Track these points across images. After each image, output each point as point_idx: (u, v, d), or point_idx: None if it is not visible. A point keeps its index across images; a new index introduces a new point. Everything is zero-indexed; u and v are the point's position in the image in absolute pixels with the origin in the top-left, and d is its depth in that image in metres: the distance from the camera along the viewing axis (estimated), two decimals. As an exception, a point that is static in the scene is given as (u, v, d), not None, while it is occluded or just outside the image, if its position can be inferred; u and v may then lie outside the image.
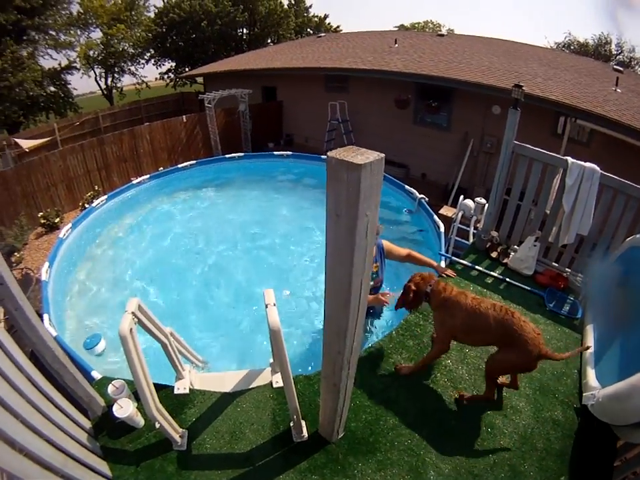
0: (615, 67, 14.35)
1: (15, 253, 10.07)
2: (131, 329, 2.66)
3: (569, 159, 4.78)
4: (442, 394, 3.66)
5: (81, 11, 29.18)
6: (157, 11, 32.28)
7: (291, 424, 3.31)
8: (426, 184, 13.23)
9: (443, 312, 3.54)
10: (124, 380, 3.53)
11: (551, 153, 5.00)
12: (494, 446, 3.25)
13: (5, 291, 2.35)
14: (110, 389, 3.39)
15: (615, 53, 31.03)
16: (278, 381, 3.70)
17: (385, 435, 3.31)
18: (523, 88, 4.97)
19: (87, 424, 3.32)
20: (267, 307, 2.75)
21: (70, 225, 7.58)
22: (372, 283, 4.35)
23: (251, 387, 3.79)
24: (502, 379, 3.64)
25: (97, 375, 4.01)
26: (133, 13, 32.56)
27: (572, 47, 32.65)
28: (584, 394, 3.54)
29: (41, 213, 11.58)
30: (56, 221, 11.62)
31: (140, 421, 3.41)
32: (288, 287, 6.64)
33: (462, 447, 3.24)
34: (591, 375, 3.66)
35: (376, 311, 4.96)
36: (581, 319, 4.61)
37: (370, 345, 4.23)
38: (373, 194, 1.58)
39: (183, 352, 4.04)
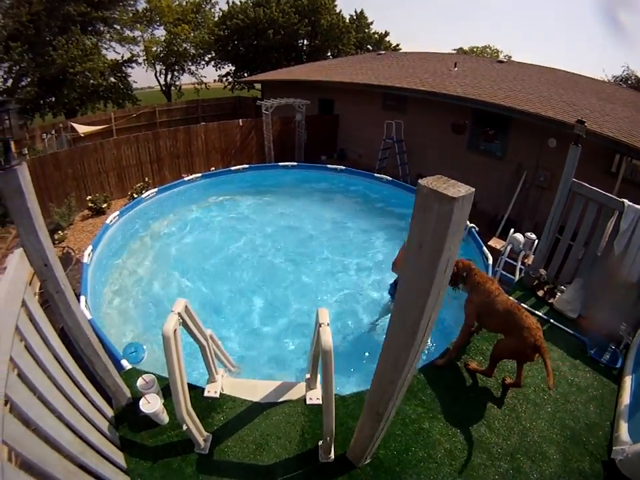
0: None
1: (59, 231, 10.25)
2: (174, 330, 2.61)
3: (626, 202, 4.74)
4: (473, 431, 3.61)
5: (147, 8, 29.95)
6: (221, 14, 32.88)
7: (319, 443, 3.24)
8: (475, 212, 12.84)
9: (473, 291, 4.21)
10: (154, 375, 3.49)
11: (608, 194, 4.96)
12: (518, 491, 3.18)
13: (49, 273, 2.32)
14: (139, 382, 3.35)
15: (675, 88, 30.04)
16: (312, 398, 3.66)
17: (412, 467, 3.23)
18: (586, 124, 4.91)
19: (110, 412, 3.29)
20: (320, 325, 2.72)
21: (117, 212, 7.68)
22: None
23: (282, 399, 3.74)
24: (508, 380, 4.01)
25: (126, 364, 4.00)
26: (199, 15, 33.29)
27: (629, 82, 31.84)
28: (614, 448, 3.45)
29: (89, 197, 11.79)
30: (103, 206, 11.81)
31: (165, 418, 3.36)
32: (322, 300, 6.55)
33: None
34: (623, 429, 3.60)
35: None
36: (620, 368, 4.48)
37: (420, 376, 4.16)
38: (459, 229, 1.55)
39: (219, 355, 3.99)
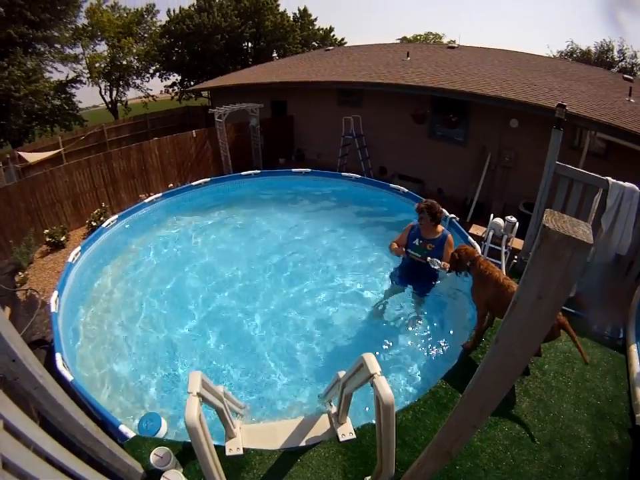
0: (625, 76, 14.21)
1: (19, 272, 9.64)
2: (199, 416, 2.18)
3: (610, 179, 4.93)
4: (510, 430, 3.69)
5: (86, 24, 29.20)
6: (165, 21, 32.30)
7: (367, 479, 3.06)
8: (443, 199, 12.76)
9: (478, 282, 4.24)
10: (161, 438, 3.14)
11: (591, 173, 5.13)
12: (562, 477, 3.31)
13: (20, 369, 1.80)
14: (153, 459, 2.92)
15: (617, 59, 31.26)
16: (345, 434, 3.44)
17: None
18: (566, 108, 5.15)
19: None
20: (372, 377, 2.38)
21: (79, 248, 7.05)
22: (419, 256, 5.08)
23: (309, 438, 3.52)
24: None
25: (126, 430, 3.53)
26: (141, 27, 32.76)
27: (574, 55, 32.87)
28: (636, 415, 3.75)
29: (47, 231, 11.13)
30: (62, 239, 11.18)
31: (192, 490, 2.95)
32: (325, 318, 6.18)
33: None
34: None
35: (425, 286, 5.58)
36: (623, 339, 4.76)
37: (445, 385, 4.19)
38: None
39: (232, 406, 3.60)
